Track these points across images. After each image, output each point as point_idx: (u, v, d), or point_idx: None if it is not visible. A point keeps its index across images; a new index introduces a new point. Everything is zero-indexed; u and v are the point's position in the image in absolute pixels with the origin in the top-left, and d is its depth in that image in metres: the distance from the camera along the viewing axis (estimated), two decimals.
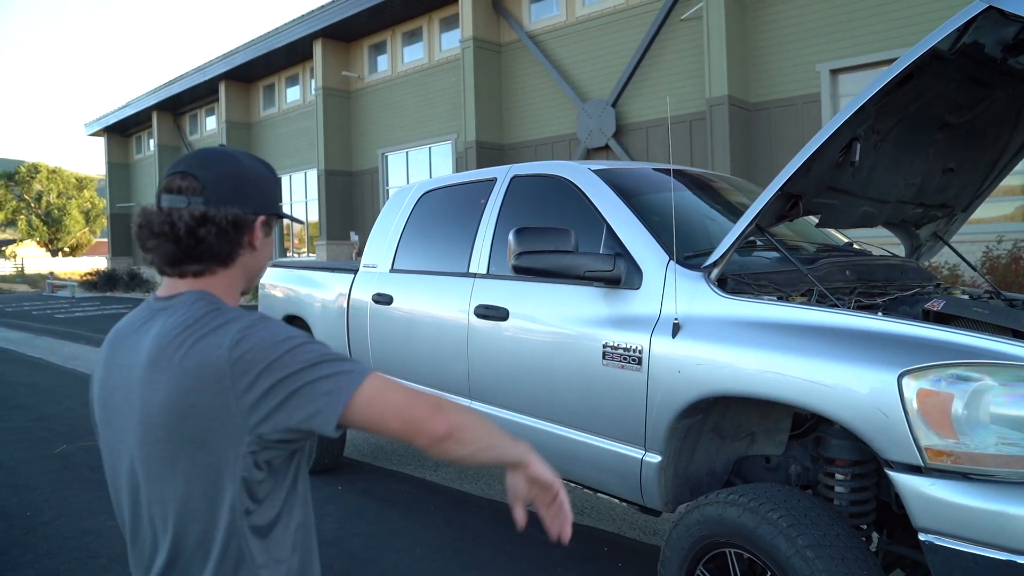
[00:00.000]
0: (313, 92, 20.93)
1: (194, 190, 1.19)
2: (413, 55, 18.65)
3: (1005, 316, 2.25)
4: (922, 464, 1.89)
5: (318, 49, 19.64)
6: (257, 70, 22.77)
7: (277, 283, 5.31)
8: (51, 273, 35.65)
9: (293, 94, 22.73)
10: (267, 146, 23.74)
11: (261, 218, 1.27)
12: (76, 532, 3.88)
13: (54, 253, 52.01)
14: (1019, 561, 1.74)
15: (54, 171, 50.35)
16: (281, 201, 1.35)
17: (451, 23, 17.43)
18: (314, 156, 21.14)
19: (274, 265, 5.59)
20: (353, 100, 20.46)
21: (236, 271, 1.26)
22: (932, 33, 2.19)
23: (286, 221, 1.83)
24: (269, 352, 1.10)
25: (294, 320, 5.21)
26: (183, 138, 27.47)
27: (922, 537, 1.89)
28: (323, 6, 18.73)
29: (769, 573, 2.12)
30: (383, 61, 19.57)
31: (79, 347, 11.84)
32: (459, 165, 16.94)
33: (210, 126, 26.30)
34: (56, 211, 50.04)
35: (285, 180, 23.47)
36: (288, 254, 23.45)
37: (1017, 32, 2.37)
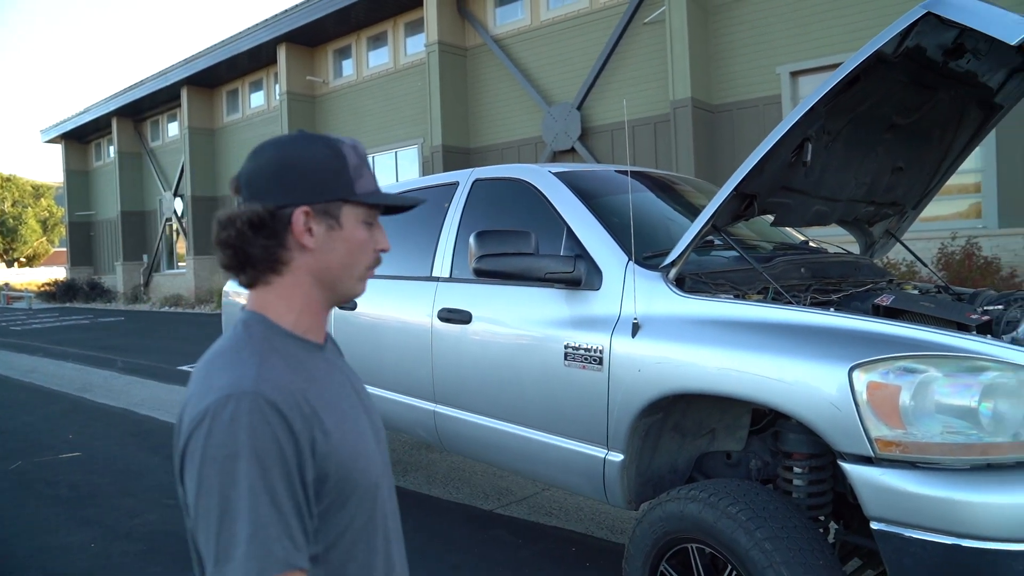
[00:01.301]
0: (278, 97, 20.75)
1: (236, 189, 1.07)
2: (378, 59, 18.59)
3: (950, 310, 2.32)
4: (872, 455, 1.94)
5: (282, 54, 19.49)
6: (220, 75, 22.52)
7: (241, 290, 5.26)
8: (6, 284, 34.76)
9: (257, 99, 22.51)
10: (230, 153, 23.47)
11: (303, 209, 1.03)
12: (34, 550, 3.81)
13: (9, 264, 50.76)
14: (964, 545, 1.80)
15: (8, 179, 49.16)
16: (356, 183, 1.07)
17: (416, 27, 17.41)
18: None
19: None
20: (318, 105, 20.32)
21: (296, 279, 1.06)
22: (876, 37, 2.26)
23: None
24: (192, 467, 0.91)
25: None
26: (144, 145, 27.04)
27: (874, 526, 1.94)
28: (287, 10, 18.59)
29: (730, 567, 2.16)
30: (348, 66, 19.48)
31: (36, 360, 11.58)
32: (426, 169, 16.92)
33: (172, 132, 25.93)
34: (11, 220, 48.87)
35: None
36: None
37: (956, 37, 2.46)
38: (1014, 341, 2.06)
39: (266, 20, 19.30)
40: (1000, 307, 2.38)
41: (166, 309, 22.50)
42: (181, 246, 25.79)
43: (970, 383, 1.91)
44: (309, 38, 19.32)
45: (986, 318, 2.25)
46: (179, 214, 25.30)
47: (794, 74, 11.81)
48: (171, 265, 26.58)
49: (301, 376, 1.01)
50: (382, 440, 1.18)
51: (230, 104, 23.62)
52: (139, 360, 10.88)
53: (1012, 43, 1.96)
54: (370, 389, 3.76)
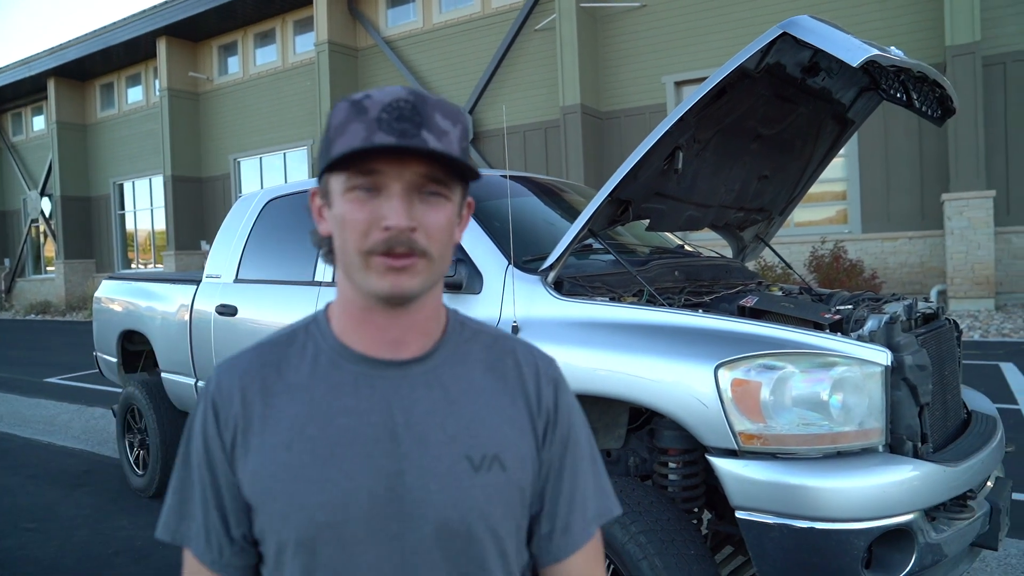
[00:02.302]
0: (158, 93, 19.74)
1: None
2: (266, 57, 18.03)
3: (808, 310, 2.49)
4: (737, 448, 2.06)
5: (162, 47, 18.56)
6: (93, 67, 21.19)
7: (114, 296, 4.98)
8: None
9: (135, 94, 21.33)
10: (106, 150, 22.13)
11: (312, 190, 0.95)
12: None
13: None
14: (817, 527, 1.93)
15: None
16: (334, 144, 0.85)
17: (306, 26, 17.00)
18: (160, 161, 19.92)
19: (110, 278, 5.24)
20: (202, 103, 19.48)
21: (338, 273, 0.94)
22: (739, 53, 2.40)
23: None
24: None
25: (133, 335, 4.90)
26: (5, 139, 25.09)
27: (738, 514, 2.05)
28: (167, 2, 17.73)
29: (608, 561, 2.23)
30: (234, 63, 18.78)
31: None
32: (316, 171, 16.54)
33: (38, 126, 24.19)
34: None
35: (128, 187, 21.98)
36: (132, 266, 21.95)
37: (811, 56, 2.64)
38: (860, 338, 2.22)
39: (144, 11, 18.32)
40: (850, 307, 2.57)
41: (32, 317, 20.93)
42: (50, 249, 24.08)
43: (822, 378, 2.05)
44: (192, 32, 18.50)
45: (838, 317, 2.42)
46: (47, 215, 23.62)
47: (678, 84, 12.33)
48: (38, 270, 24.79)
49: (275, 379, 0.92)
50: (403, 498, 0.87)
51: (104, 98, 22.27)
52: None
53: (854, 65, 2.13)
54: None
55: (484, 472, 0.89)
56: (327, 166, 0.84)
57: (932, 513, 2.08)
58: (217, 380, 0.93)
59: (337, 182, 0.86)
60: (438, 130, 0.83)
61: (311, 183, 3.79)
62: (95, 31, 19.71)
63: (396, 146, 0.79)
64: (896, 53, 2.45)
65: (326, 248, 0.95)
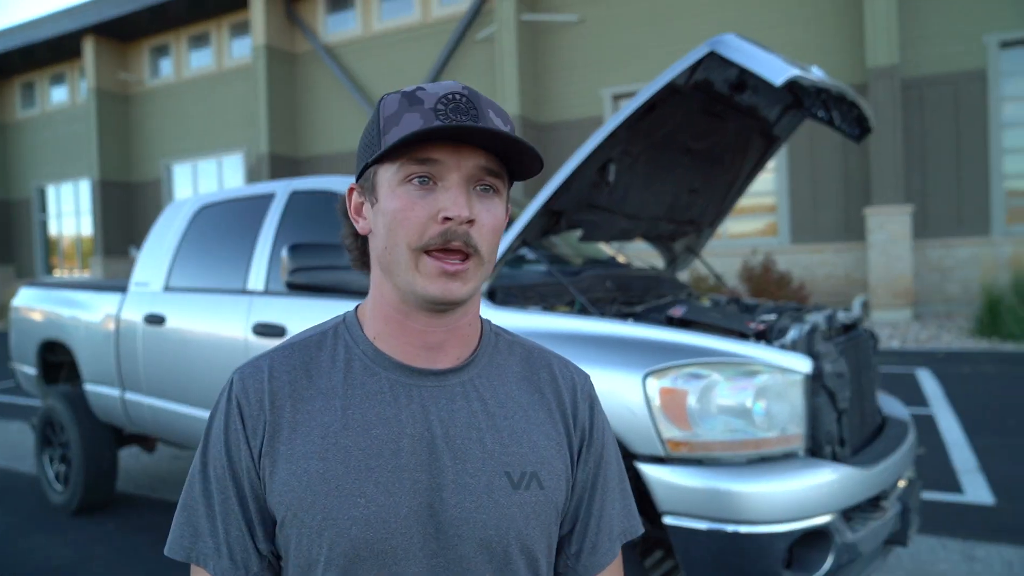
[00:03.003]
0: (84, 93, 19.03)
1: None
2: (201, 60, 17.59)
3: (734, 320, 2.57)
4: (664, 454, 2.11)
5: (89, 46, 17.91)
6: (12, 64, 20.28)
7: (34, 305, 4.77)
8: None
9: (59, 94, 20.51)
10: (28, 152, 21.20)
11: (350, 186, 0.91)
12: None
13: None
14: (741, 531, 2.00)
15: None
16: (384, 136, 0.82)
17: (242, 29, 16.67)
18: (87, 165, 19.19)
19: (29, 285, 5.02)
20: (132, 105, 18.87)
21: (375, 275, 0.89)
22: (668, 69, 2.47)
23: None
24: None
25: (55, 346, 4.71)
26: None
27: (666, 520, 2.10)
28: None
29: None
30: (167, 65, 18.27)
31: None
32: (252, 178, 16.20)
33: None
34: None
35: (51, 192, 21.09)
36: (55, 272, 21.04)
37: (739, 74, 2.74)
38: (783, 347, 2.31)
39: (70, 8, 17.65)
40: (774, 317, 2.67)
41: None
42: None
43: (746, 385, 2.12)
44: (121, 32, 17.91)
45: (762, 327, 2.51)
46: None
47: (616, 97, 12.55)
48: None
49: (305, 383, 0.87)
50: (444, 512, 0.84)
51: (25, 98, 21.34)
52: None
53: (776, 84, 2.22)
54: (179, 407, 3.54)
55: (523, 490, 0.86)
56: (382, 154, 0.80)
57: (849, 513, 2.17)
58: (241, 383, 0.87)
59: (387, 172, 0.82)
60: (494, 125, 0.81)
61: (240, 191, 3.72)
62: (15, 26, 18.87)
63: (469, 127, 0.76)
64: (817, 73, 2.56)
65: (356, 252, 0.94)
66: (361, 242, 0.92)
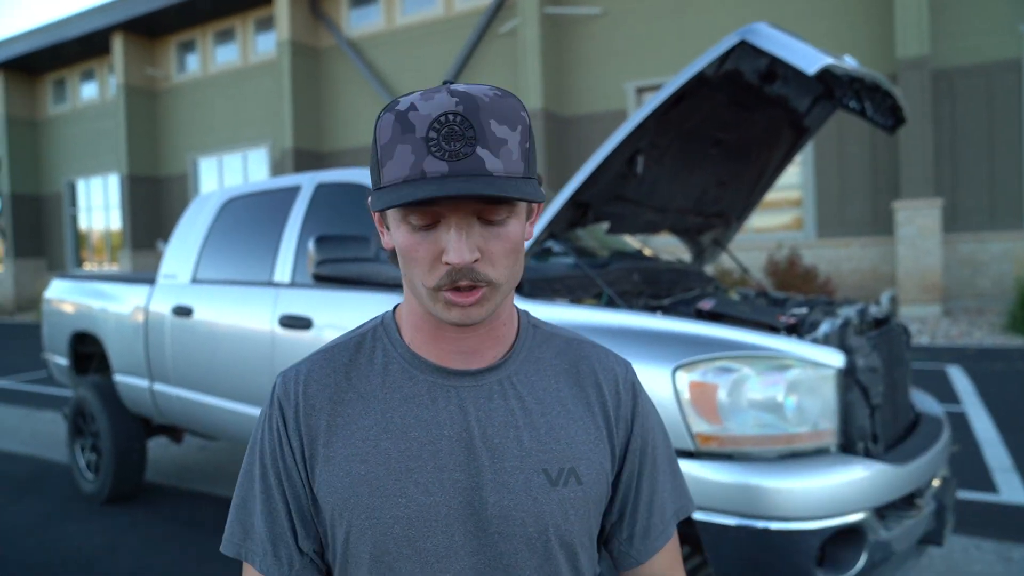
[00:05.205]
0: (114, 90, 19.30)
1: None
2: (226, 56, 17.74)
3: (763, 313, 2.53)
4: (693, 449, 2.08)
5: (118, 43, 18.15)
6: (43, 62, 20.62)
7: (66, 297, 4.85)
8: None
9: (89, 90, 20.80)
10: (60, 148, 21.55)
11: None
12: None
13: None
14: (772, 527, 1.97)
15: None
16: (383, 168, 0.78)
17: (267, 24, 16.78)
18: (116, 160, 19.47)
19: (61, 277, 5.10)
20: (160, 101, 19.09)
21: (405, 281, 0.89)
22: (698, 59, 2.43)
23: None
24: None
25: (86, 337, 4.78)
26: None
27: (695, 515, 2.08)
28: None
29: None
30: (193, 60, 18.45)
31: None
32: (276, 172, 16.33)
33: None
34: None
35: (81, 186, 21.43)
36: (85, 266, 21.39)
37: (769, 64, 2.70)
38: (815, 341, 2.27)
39: (100, 5, 17.88)
40: (805, 311, 2.62)
41: None
42: None
43: (777, 380, 2.09)
44: (149, 28, 18.12)
45: (793, 321, 2.47)
46: None
47: (639, 90, 12.46)
48: None
49: (345, 386, 0.89)
50: (486, 510, 0.86)
51: (56, 94, 21.68)
52: None
53: (809, 73, 2.18)
54: (206, 399, 3.57)
55: (561, 487, 0.87)
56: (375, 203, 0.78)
57: (882, 511, 2.13)
58: (284, 385, 0.90)
59: (393, 209, 0.80)
60: (495, 142, 0.75)
61: (266, 184, 3.73)
62: (46, 24, 19.16)
63: (444, 196, 0.72)
64: (850, 63, 2.51)
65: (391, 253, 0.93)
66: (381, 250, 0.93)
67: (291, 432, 0.88)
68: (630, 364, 1.00)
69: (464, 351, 0.88)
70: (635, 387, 0.97)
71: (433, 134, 0.74)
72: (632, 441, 0.95)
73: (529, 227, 0.87)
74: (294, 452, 0.88)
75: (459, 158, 0.74)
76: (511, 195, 0.73)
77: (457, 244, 0.76)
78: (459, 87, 0.77)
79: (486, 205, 0.77)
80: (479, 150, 0.74)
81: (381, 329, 0.93)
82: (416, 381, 0.88)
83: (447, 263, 0.77)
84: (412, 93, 0.78)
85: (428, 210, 0.77)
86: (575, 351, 0.96)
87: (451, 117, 0.74)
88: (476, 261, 0.78)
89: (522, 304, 2.54)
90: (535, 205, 0.87)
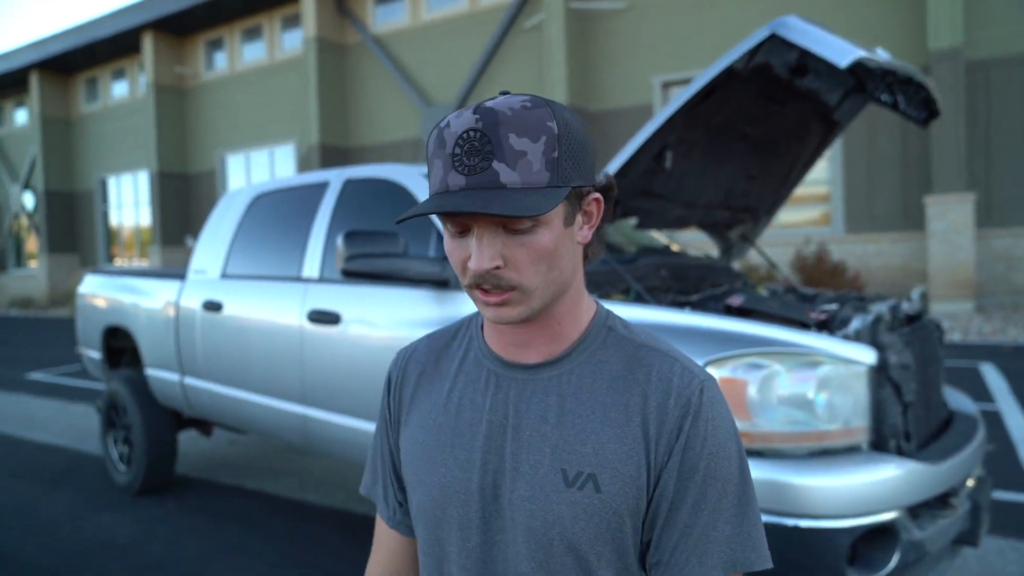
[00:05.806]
0: (144, 88, 19.58)
1: None
2: (254, 53, 17.92)
3: (793, 309, 2.50)
4: None
5: (148, 42, 18.42)
6: (76, 61, 20.99)
7: (98, 292, 4.94)
8: None
9: (120, 89, 21.14)
10: (92, 145, 21.93)
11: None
12: None
13: None
14: (802, 525, 1.95)
15: None
16: (430, 178, 0.86)
17: (294, 22, 16.91)
18: (146, 157, 19.77)
19: (94, 273, 5.19)
20: (188, 98, 19.34)
21: None
22: (728, 53, 2.41)
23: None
24: None
25: (118, 331, 4.86)
26: None
27: None
28: None
29: None
30: (221, 58, 18.66)
31: None
32: (303, 168, 16.47)
33: (20, 119, 23.92)
34: None
35: (112, 183, 21.79)
36: (115, 261, 21.75)
37: (799, 57, 2.66)
38: (846, 337, 2.24)
39: (130, 5, 18.16)
40: (836, 307, 2.59)
41: (13, 312, 20.70)
42: (32, 244, 23.83)
43: (807, 376, 2.07)
44: (178, 27, 18.36)
45: (824, 317, 2.44)
46: (30, 209, 23.36)
47: (665, 85, 12.36)
48: (20, 264, 24.52)
49: (433, 367, 1.02)
50: (502, 493, 0.91)
51: (89, 93, 22.06)
52: None
53: (841, 66, 2.15)
54: (235, 392, 3.62)
55: (575, 490, 0.86)
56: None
57: (915, 511, 2.11)
58: (394, 361, 1.07)
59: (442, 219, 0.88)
60: (512, 155, 0.78)
61: (294, 180, 3.77)
62: (79, 25, 19.50)
63: (453, 212, 0.77)
64: (883, 55, 2.47)
65: None
66: None
67: (392, 399, 1.05)
68: (700, 380, 0.89)
69: (517, 344, 0.93)
70: (692, 404, 0.87)
71: (458, 150, 0.80)
72: (671, 457, 0.87)
73: (588, 230, 0.89)
74: (391, 415, 1.05)
75: (476, 172, 0.79)
76: (503, 212, 0.76)
77: (477, 252, 0.82)
78: (490, 102, 0.82)
79: (508, 220, 0.81)
80: (495, 164, 0.79)
81: (473, 321, 1.03)
82: (482, 368, 0.96)
83: (470, 268, 0.83)
84: (457, 111, 0.84)
85: (457, 219, 0.83)
86: (640, 357, 0.92)
87: (472, 134, 0.80)
88: (499, 268, 0.82)
89: None
90: (590, 209, 0.89)
